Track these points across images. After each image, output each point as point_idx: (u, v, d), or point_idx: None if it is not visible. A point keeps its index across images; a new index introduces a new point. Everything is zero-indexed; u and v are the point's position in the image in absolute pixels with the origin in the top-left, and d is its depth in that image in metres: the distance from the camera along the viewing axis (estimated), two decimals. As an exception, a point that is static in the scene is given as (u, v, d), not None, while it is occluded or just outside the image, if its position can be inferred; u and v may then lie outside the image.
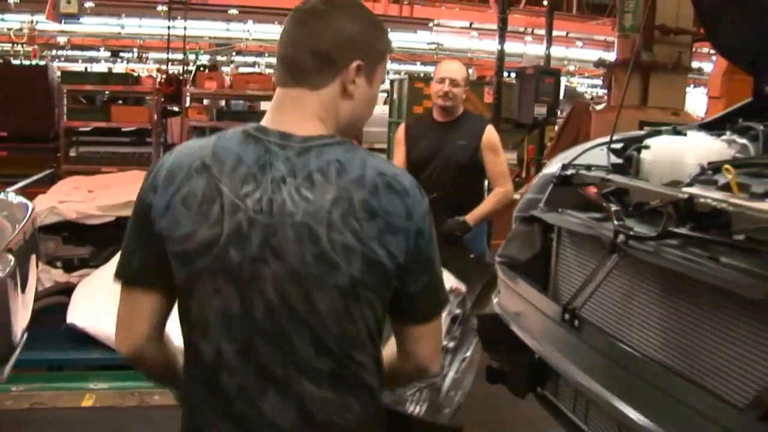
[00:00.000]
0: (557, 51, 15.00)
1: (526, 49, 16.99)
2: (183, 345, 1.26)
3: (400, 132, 3.71)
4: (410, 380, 1.44)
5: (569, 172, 2.14)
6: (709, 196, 1.69)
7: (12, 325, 2.39)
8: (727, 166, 1.90)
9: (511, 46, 17.21)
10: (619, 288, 1.67)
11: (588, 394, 1.67)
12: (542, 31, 15.22)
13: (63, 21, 10.20)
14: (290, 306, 1.16)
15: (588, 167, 2.16)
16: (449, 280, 1.82)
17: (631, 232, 1.59)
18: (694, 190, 1.78)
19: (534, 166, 7.10)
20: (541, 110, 5.97)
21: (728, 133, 2.50)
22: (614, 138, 2.43)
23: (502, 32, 6.40)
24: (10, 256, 2.37)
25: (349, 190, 1.15)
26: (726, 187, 1.89)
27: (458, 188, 3.48)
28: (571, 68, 21.14)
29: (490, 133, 3.56)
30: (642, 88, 7.80)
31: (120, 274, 1.26)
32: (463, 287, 2.10)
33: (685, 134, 2.50)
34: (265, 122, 1.23)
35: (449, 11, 17.59)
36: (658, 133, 2.56)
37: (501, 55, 6.36)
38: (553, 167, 2.25)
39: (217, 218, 1.16)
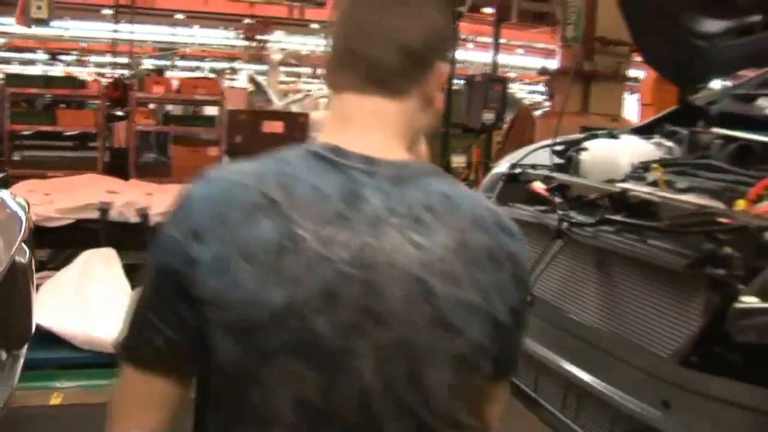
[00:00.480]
0: (499, 58, 15.55)
1: (467, 55, 17.52)
2: None
3: None
4: None
5: (517, 170, 2.41)
6: (640, 189, 1.98)
7: (32, 308, 2.59)
8: (655, 165, 2.20)
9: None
10: (564, 267, 1.93)
11: (542, 360, 1.93)
12: (485, 39, 15.66)
13: (33, 26, 10.13)
14: (392, 389, 0.87)
15: (533, 166, 2.44)
16: None
17: (573, 220, 1.86)
18: (626, 185, 2.07)
19: (482, 169, 7.41)
20: (489, 116, 6.30)
21: (657, 136, 2.80)
22: (557, 141, 2.72)
23: (497, 39, 6.77)
24: (26, 247, 2.52)
25: (466, 233, 0.90)
26: (654, 183, 2.19)
27: None
28: (512, 75, 21.80)
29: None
30: (583, 96, 8.22)
31: (128, 353, 0.94)
32: None
33: (618, 137, 2.80)
34: (333, 140, 0.93)
35: None
36: (595, 136, 2.85)
37: (452, 62, 6.70)
38: (502, 167, 2.51)
39: (296, 275, 0.86)
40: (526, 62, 14.06)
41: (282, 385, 0.87)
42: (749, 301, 1.42)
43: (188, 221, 0.88)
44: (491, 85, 6.35)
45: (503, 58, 19.44)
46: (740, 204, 1.84)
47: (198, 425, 0.94)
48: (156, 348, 0.90)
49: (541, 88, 19.52)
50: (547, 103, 18.31)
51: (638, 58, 12.02)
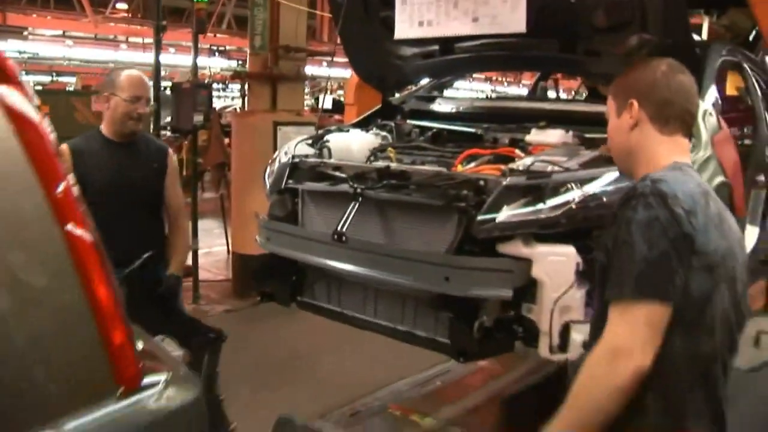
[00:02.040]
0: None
1: (118, 55, 17.15)
2: (671, 354, 1.48)
3: (63, 153, 2.80)
4: None
5: (296, 160, 3.21)
6: (395, 165, 2.94)
7: None
8: (390, 148, 3.19)
9: (106, 54, 17.15)
10: (364, 216, 2.74)
11: (346, 277, 2.78)
12: (137, 39, 15.39)
13: None
14: (742, 295, 1.60)
15: (306, 156, 3.26)
16: (173, 348, 1.83)
17: (362, 186, 2.73)
18: (380, 163, 3.02)
19: (191, 166, 7.90)
20: (198, 118, 6.87)
21: (374, 128, 3.81)
22: (309, 137, 3.55)
23: (158, 46, 7.11)
24: None
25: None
26: (391, 160, 3.17)
27: (149, 222, 3.02)
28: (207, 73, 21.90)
29: (172, 155, 3.18)
30: (272, 95, 9.13)
31: (660, 294, 1.46)
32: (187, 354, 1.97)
33: (348, 131, 3.74)
34: (682, 160, 1.65)
35: (41, 19, 16.02)
36: (330, 131, 3.74)
37: (157, 68, 7.04)
38: (283, 159, 3.28)
39: (727, 233, 1.56)
40: (223, 64, 14.49)
41: (719, 300, 1.50)
42: (482, 218, 2.47)
43: (683, 204, 1.49)
44: (198, 90, 6.95)
45: (202, 60, 19.40)
46: (458, 168, 2.92)
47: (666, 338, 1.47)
48: (676, 285, 1.46)
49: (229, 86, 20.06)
50: (234, 102, 18.97)
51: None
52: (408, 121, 3.86)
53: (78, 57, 17.82)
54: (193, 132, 7.52)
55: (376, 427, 3.96)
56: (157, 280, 2.86)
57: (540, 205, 2.47)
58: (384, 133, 3.72)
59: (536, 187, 2.53)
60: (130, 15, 15.06)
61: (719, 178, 3.10)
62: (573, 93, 9.10)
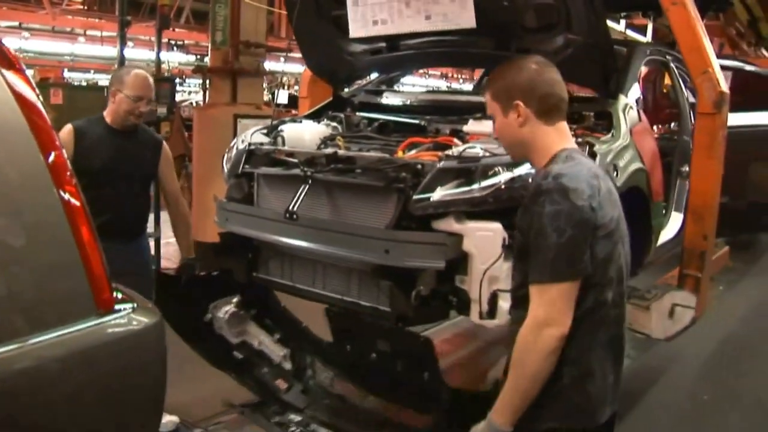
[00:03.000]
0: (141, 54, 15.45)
1: (75, 48, 17.08)
2: (584, 309, 1.81)
3: (67, 133, 3.23)
4: None
5: (252, 147, 3.41)
6: (342, 151, 3.16)
7: None
8: (338, 137, 3.42)
9: (63, 47, 16.80)
10: (311, 197, 2.94)
11: (303, 252, 2.96)
12: (95, 32, 15.10)
13: None
14: (627, 252, 1.94)
15: (261, 144, 3.46)
16: None
17: (312, 170, 2.93)
18: (329, 150, 3.24)
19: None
20: (162, 110, 7.03)
21: (325, 120, 4.01)
22: (265, 126, 3.75)
23: (122, 40, 7.20)
24: None
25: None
26: (339, 148, 3.39)
27: (139, 196, 3.41)
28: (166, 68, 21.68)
29: (167, 147, 3.57)
30: (232, 89, 9.26)
31: (572, 274, 1.76)
32: None
33: (301, 121, 3.94)
34: (567, 145, 1.94)
35: None
36: (284, 122, 3.94)
37: (121, 62, 7.14)
38: (240, 146, 3.47)
39: (616, 203, 1.88)
40: (173, 57, 14.43)
41: (616, 258, 1.84)
42: (418, 197, 2.70)
43: (583, 193, 1.79)
44: (161, 84, 7.10)
45: (164, 55, 19.20)
46: (400, 154, 3.16)
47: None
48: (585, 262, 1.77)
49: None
50: (191, 96, 18.92)
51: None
52: (357, 113, 4.07)
53: (35, 49, 17.52)
54: (156, 123, 7.65)
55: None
56: (138, 249, 3.37)
57: (471, 186, 2.72)
58: (334, 124, 3.92)
59: (467, 170, 2.78)
60: (85, 8, 14.85)
61: (636, 164, 3.39)
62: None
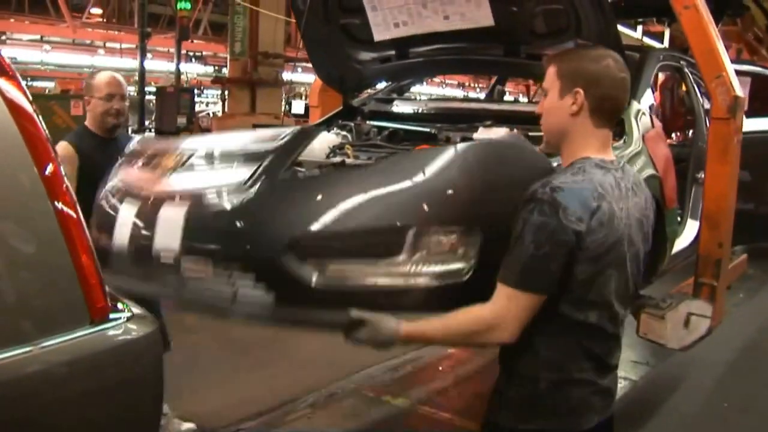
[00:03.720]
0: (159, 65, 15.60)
1: (95, 60, 17.32)
2: (551, 318, 1.73)
3: (68, 149, 3.15)
4: None
5: None
6: (351, 160, 3.12)
7: None
8: (347, 146, 3.37)
9: (83, 59, 16.95)
10: None
11: None
12: (114, 45, 15.26)
13: None
14: (634, 274, 1.82)
15: None
16: None
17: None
18: (338, 158, 3.20)
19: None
20: (182, 120, 7.07)
21: (335, 129, 3.98)
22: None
23: (143, 52, 7.26)
24: None
25: (645, 193, 1.87)
26: (348, 157, 3.35)
27: None
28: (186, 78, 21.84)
29: None
30: (251, 99, 9.33)
31: (536, 287, 1.69)
32: None
33: (310, 130, 3.90)
34: (600, 155, 1.80)
35: (19, 24, 16.11)
36: None
37: (142, 73, 7.20)
38: None
39: (616, 228, 1.71)
40: (199, 69, 14.56)
41: (604, 282, 1.73)
42: None
43: (573, 214, 1.66)
44: (182, 94, 7.14)
45: (182, 66, 19.34)
46: None
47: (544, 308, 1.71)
48: (551, 281, 1.69)
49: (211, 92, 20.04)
50: (208, 107, 19.10)
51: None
52: (367, 122, 4.03)
53: (55, 62, 17.82)
54: (176, 133, 7.72)
55: (350, 406, 4.16)
56: None
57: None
58: (344, 133, 3.87)
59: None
60: (105, 20, 15.01)
61: (648, 171, 3.31)
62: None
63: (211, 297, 2.20)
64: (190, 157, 2.64)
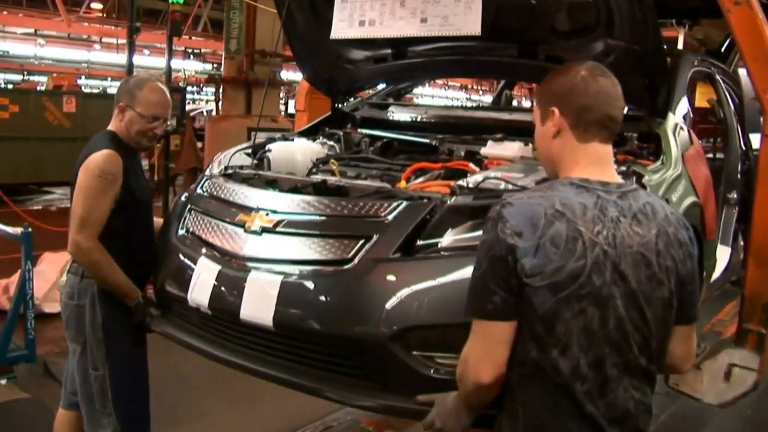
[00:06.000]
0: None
1: (91, 56, 16.62)
2: (523, 364, 1.44)
3: (116, 160, 2.49)
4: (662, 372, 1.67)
5: (229, 171, 2.74)
6: (333, 179, 2.49)
7: None
8: (332, 160, 2.73)
9: (78, 54, 16.28)
10: None
11: None
12: (111, 40, 14.74)
13: None
14: (631, 317, 1.43)
15: (241, 167, 2.79)
16: None
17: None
18: (319, 176, 2.56)
19: (163, 171, 7.41)
20: (171, 122, 6.39)
21: (321, 137, 3.34)
22: (247, 144, 3.09)
23: (131, 48, 6.61)
24: None
25: (664, 226, 1.48)
26: (333, 173, 2.71)
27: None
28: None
29: None
30: (246, 100, 8.68)
31: (480, 311, 1.44)
32: None
33: (292, 140, 3.27)
34: (585, 174, 1.51)
35: (12, 17, 15.16)
36: (274, 140, 3.27)
37: (130, 70, 6.55)
38: (215, 169, 2.81)
39: (581, 253, 1.40)
40: (189, 66, 13.89)
41: (576, 319, 1.40)
42: (423, 243, 2.07)
43: (510, 227, 1.41)
44: (171, 94, 6.45)
45: (177, 63, 18.77)
46: (402, 184, 2.48)
47: (515, 353, 1.44)
48: (496, 302, 1.41)
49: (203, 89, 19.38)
50: (201, 105, 18.40)
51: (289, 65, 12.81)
52: (359, 130, 3.40)
53: (50, 56, 16.94)
54: (165, 137, 7.05)
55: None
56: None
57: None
58: (331, 143, 3.26)
59: (485, 209, 2.07)
60: (105, 15, 14.35)
61: (690, 198, 2.66)
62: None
63: (299, 374, 2.12)
64: (280, 222, 2.26)
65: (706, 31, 5.67)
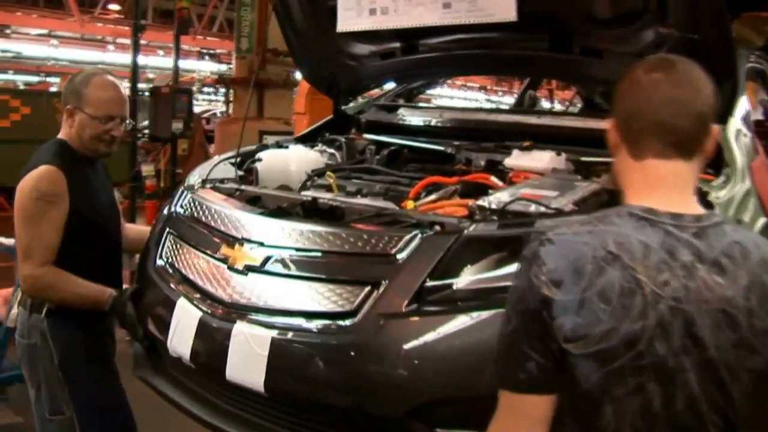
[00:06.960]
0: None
1: (105, 57, 16.30)
2: None
3: (57, 176, 2.07)
4: None
5: (208, 186, 2.29)
6: (325, 197, 2.04)
7: None
8: (329, 172, 2.28)
9: (92, 55, 16.04)
10: None
11: None
12: (125, 41, 14.43)
13: None
14: (708, 395, 1.06)
15: (222, 180, 2.34)
16: None
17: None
18: (311, 192, 2.11)
19: (170, 177, 7.02)
20: (178, 125, 6.00)
21: (320, 144, 2.89)
22: (236, 153, 2.64)
23: (136, 47, 6.24)
24: None
25: (759, 274, 1.08)
26: (330, 188, 2.26)
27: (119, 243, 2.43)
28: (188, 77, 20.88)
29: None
30: (258, 102, 8.27)
31: (509, 381, 1.11)
32: None
33: (287, 147, 2.82)
34: (648, 202, 1.12)
35: (26, 18, 14.69)
36: (266, 147, 2.82)
37: (134, 70, 6.16)
38: (192, 181, 2.37)
39: (641, 311, 1.04)
40: (204, 66, 13.58)
41: (631, 398, 1.05)
42: (432, 285, 1.61)
43: (545, 274, 1.07)
44: (178, 96, 6.05)
45: (191, 63, 18.55)
46: (409, 204, 2.04)
47: None
48: (530, 371, 1.08)
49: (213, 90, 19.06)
50: (220, 106, 18.06)
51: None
52: (364, 135, 2.94)
53: (63, 57, 16.50)
54: (171, 141, 6.65)
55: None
56: None
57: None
58: (331, 151, 2.82)
59: (512, 240, 1.60)
60: (123, 16, 14.08)
61: (763, 220, 2.16)
62: (567, 104, 8.07)
63: None
64: (268, 258, 1.81)
65: (740, 31, 5.17)
